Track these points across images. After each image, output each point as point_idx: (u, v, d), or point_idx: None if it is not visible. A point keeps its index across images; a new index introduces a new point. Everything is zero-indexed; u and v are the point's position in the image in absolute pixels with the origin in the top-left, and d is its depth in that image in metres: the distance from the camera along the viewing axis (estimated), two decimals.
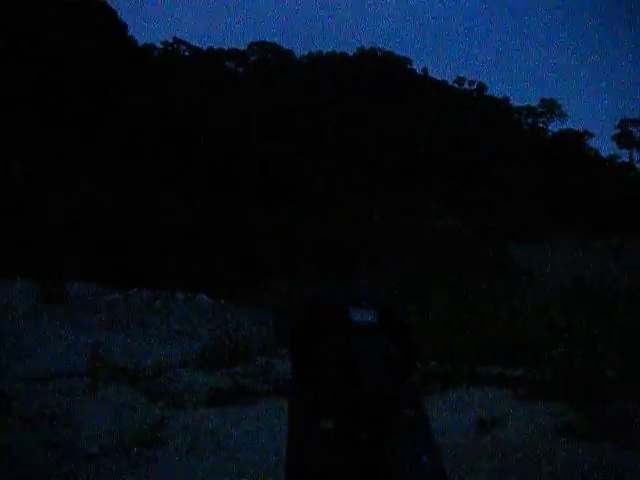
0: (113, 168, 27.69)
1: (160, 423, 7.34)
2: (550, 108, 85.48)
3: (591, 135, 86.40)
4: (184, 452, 6.70)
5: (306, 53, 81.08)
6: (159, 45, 62.15)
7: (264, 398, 8.76)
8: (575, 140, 74.38)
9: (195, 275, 22.19)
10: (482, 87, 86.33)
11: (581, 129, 78.53)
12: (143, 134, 29.79)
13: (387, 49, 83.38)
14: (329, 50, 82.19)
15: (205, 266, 23.58)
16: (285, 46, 79.00)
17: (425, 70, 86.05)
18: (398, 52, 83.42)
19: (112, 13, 40.97)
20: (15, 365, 10.46)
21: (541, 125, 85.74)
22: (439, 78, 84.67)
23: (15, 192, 24.21)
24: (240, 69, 70.77)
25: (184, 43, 68.23)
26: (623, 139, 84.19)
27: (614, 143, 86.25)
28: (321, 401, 1.69)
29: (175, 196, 27.57)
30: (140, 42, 49.81)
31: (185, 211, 26.76)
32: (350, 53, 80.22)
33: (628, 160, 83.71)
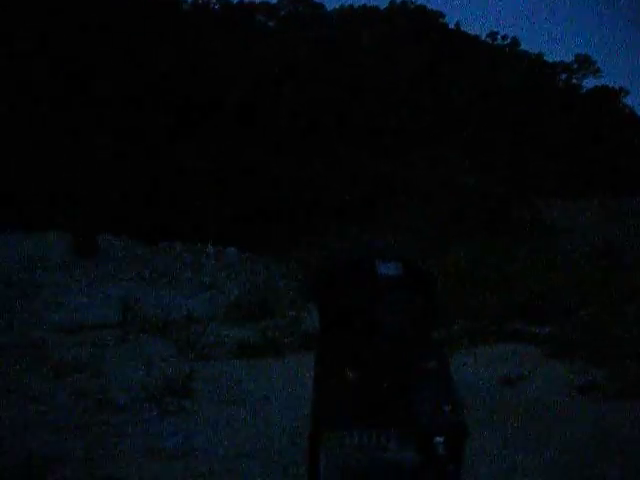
0: (139, 122, 27.72)
1: (189, 374, 7.45)
2: (585, 64, 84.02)
3: (627, 92, 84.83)
4: (213, 402, 6.82)
5: (337, 6, 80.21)
6: None
7: (292, 351, 8.86)
8: (610, 97, 73.17)
9: (225, 229, 22.28)
10: (515, 42, 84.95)
11: (616, 86, 77.23)
12: (169, 89, 29.69)
13: (419, 3, 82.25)
14: (360, 4, 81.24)
15: (235, 220, 23.68)
16: None
17: (457, 24, 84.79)
18: (430, 6, 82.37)
19: None
20: (48, 316, 10.63)
21: (575, 81, 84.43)
22: (472, 33, 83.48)
23: (45, 146, 24.38)
24: (271, 23, 70.17)
25: None
26: None
27: None
28: (347, 351, 1.76)
29: (205, 149, 27.58)
30: None
31: (215, 164, 26.80)
32: (382, 7, 79.27)
33: None
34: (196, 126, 28.95)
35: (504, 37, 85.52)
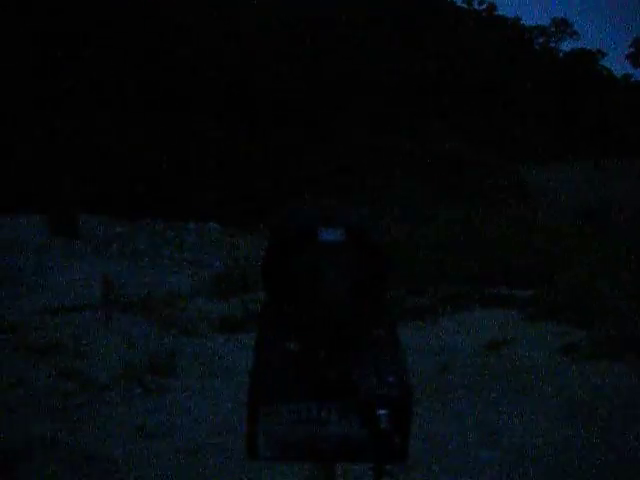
0: (119, 96, 27.46)
1: (173, 351, 7.41)
2: (562, 27, 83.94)
3: (604, 54, 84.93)
4: (197, 379, 6.79)
5: None
6: None
7: None
8: (587, 59, 73.19)
9: (206, 204, 22.18)
10: (492, 7, 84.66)
11: (594, 48, 77.18)
12: (149, 65, 29.41)
13: None
14: None
15: (215, 195, 23.56)
16: None
17: None
18: None
19: None
20: (28, 298, 10.55)
21: (553, 45, 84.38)
22: None
23: (20, 126, 24.11)
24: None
25: None
26: (637, 58, 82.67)
27: (627, 62, 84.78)
28: (288, 322, 1.68)
29: (184, 126, 27.37)
30: None
31: (195, 141, 26.61)
32: None
33: None
34: (175, 103, 28.72)
35: (481, 2, 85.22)
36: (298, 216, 1.82)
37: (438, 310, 8.52)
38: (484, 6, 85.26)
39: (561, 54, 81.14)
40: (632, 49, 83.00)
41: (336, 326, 1.58)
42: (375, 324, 1.70)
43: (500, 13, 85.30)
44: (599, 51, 77.67)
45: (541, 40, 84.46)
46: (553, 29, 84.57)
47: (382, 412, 1.57)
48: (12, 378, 6.62)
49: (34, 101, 25.56)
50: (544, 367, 6.37)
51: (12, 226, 16.61)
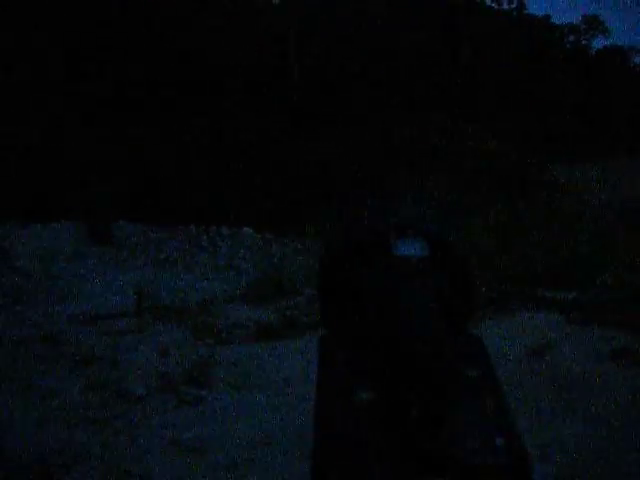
0: (147, 104, 27.52)
1: (207, 361, 7.28)
2: (593, 24, 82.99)
3: (637, 51, 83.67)
4: (231, 389, 6.65)
5: None
6: None
7: (311, 330, 8.65)
8: (619, 56, 72.26)
9: (240, 209, 22.10)
10: (522, 6, 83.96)
11: (626, 45, 76.20)
12: (169, 69, 29.43)
13: None
14: None
15: (250, 200, 23.49)
16: None
17: None
18: None
19: None
20: (63, 308, 10.49)
21: (584, 42, 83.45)
22: None
23: (56, 133, 24.22)
24: None
25: None
26: None
27: None
28: (358, 362, 1.25)
29: (215, 128, 27.35)
30: None
31: (224, 146, 26.58)
32: None
33: None
34: (203, 105, 28.71)
35: (510, 1, 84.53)
36: (364, 222, 1.44)
37: (480, 313, 8.29)
38: (513, 5, 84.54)
39: (593, 52, 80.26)
40: None
41: (428, 368, 1.17)
42: (465, 362, 1.27)
43: (529, 12, 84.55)
44: (631, 48, 76.66)
45: (572, 38, 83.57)
46: (584, 27, 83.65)
47: None
48: (48, 389, 6.54)
49: (65, 106, 25.70)
50: (593, 374, 6.13)
51: (48, 234, 16.63)
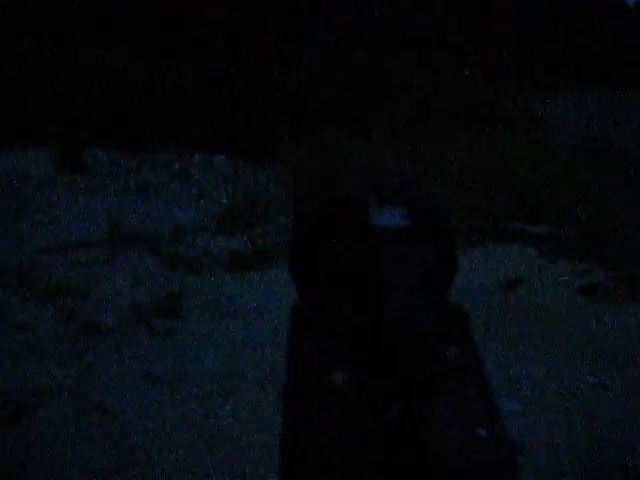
0: (123, 30, 26.92)
1: (179, 292, 7.26)
2: None
3: None
4: (204, 320, 6.64)
5: None
6: None
7: (282, 260, 8.62)
8: None
9: (213, 136, 21.84)
10: None
11: None
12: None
13: None
14: None
15: (222, 126, 23.21)
16: None
17: None
18: None
19: None
20: (34, 236, 10.37)
21: None
22: None
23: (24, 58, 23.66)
24: None
25: None
26: None
27: None
28: (332, 340, 1.14)
29: (186, 56, 26.87)
30: None
31: (198, 70, 26.14)
32: None
33: None
34: (178, 33, 28.15)
35: None
36: (336, 183, 1.29)
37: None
38: None
39: None
40: None
41: (411, 351, 1.09)
42: (447, 339, 1.19)
43: None
44: None
45: None
46: None
47: None
48: (17, 322, 6.49)
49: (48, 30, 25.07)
50: (564, 308, 6.18)
51: (16, 160, 16.33)
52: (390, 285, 1.16)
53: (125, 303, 6.95)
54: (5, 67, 23.22)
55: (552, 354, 5.34)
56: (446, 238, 1.28)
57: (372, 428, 1.07)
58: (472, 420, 1.10)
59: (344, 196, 1.26)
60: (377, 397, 1.09)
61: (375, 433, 1.06)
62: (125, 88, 24.62)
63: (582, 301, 6.35)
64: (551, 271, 7.24)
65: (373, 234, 1.21)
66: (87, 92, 23.09)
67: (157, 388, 5.17)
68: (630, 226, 8.15)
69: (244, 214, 11.68)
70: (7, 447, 4.40)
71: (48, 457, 4.20)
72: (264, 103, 24.41)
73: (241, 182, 16.23)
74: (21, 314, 6.63)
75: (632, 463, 3.88)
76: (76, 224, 11.36)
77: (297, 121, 20.56)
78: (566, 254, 7.61)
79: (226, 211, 12.12)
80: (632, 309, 5.99)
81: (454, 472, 1.06)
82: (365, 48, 30.07)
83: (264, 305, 7.01)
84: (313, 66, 26.67)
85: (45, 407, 4.89)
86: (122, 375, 5.38)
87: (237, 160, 18.71)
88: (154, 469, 4.00)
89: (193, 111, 24.25)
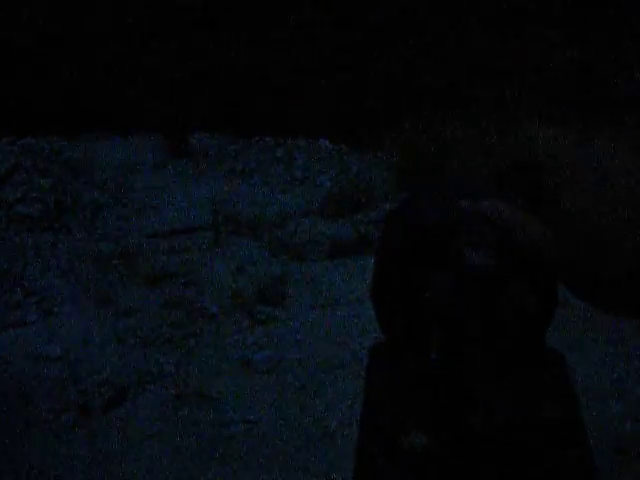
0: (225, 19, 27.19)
1: (282, 278, 7.26)
2: None
3: None
4: (305, 308, 6.62)
5: None
6: None
7: None
8: None
9: (317, 120, 21.87)
10: None
11: None
12: None
13: None
14: None
15: (327, 110, 23.21)
16: None
17: None
18: None
19: None
20: (141, 222, 10.58)
21: None
22: None
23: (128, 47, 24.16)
24: None
25: None
26: None
27: None
28: (413, 394, 1.01)
29: (294, 42, 26.96)
30: None
31: (301, 55, 26.19)
32: None
33: None
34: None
35: None
36: (428, 215, 1.15)
37: None
38: None
39: None
40: None
41: (502, 415, 0.97)
42: (546, 395, 1.07)
43: None
44: None
45: None
46: None
47: None
48: (123, 307, 6.62)
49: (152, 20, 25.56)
50: None
51: (134, 147, 16.68)
52: (479, 336, 1.03)
53: (228, 289, 7.00)
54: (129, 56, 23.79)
55: None
56: (546, 276, 1.13)
57: None
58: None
59: (434, 222, 1.14)
60: (460, 470, 0.95)
61: None
62: (232, 73, 24.90)
63: None
64: None
65: (463, 272, 1.08)
66: (198, 77, 23.44)
67: (256, 376, 5.19)
68: None
69: (348, 200, 11.60)
70: (107, 431, 4.49)
71: (145, 443, 4.26)
72: (370, 88, 24.28)
73: (345, 167, 16.17)
74: (127, 299, 6.77)
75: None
76: (181, 209, 11.53)
77: (400, 106, 20.34)
78: None
79: (329, 196, 12.07)
80: None
81: None
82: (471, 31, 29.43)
83: (365, 293, 6.93)
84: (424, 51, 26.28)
85: (146, 392, 4.97)
86: (222, 362, 5.42)
87: (341, 145, 18.64)
88: (250, 462, 4.00)
89: (298, 95, 24.32)
